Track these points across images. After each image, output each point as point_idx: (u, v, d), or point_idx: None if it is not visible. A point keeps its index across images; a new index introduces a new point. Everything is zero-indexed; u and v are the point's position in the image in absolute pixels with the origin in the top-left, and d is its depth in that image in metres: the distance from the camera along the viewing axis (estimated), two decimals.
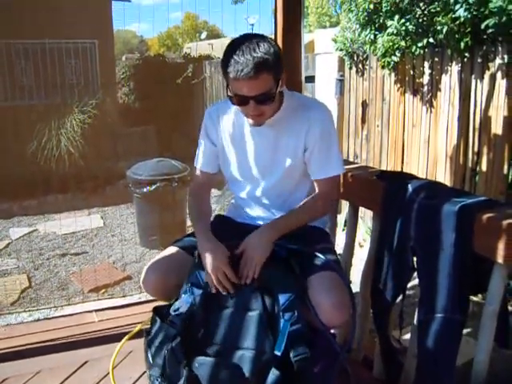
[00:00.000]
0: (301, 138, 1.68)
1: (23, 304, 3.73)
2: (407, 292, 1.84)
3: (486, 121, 3.62)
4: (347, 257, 2.18)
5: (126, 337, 1.86)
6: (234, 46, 1.52)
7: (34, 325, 2.76)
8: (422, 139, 4.24)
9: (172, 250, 1.76)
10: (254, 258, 1.55)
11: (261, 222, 1.78)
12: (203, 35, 20.88)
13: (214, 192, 5.50)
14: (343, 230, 3.85)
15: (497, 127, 3.52)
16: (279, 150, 1.72)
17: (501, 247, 1.44)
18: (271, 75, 1.53)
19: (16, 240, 5.32)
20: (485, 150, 3.65)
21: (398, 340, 2.00)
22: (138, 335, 1.83)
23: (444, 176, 3.99)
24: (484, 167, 3.66)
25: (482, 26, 3.26)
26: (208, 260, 1.56)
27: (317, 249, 1.64)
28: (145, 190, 4.85)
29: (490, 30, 3.26)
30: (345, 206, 3.77)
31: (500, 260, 1.45)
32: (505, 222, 1.45)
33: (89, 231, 5.53)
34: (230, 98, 1.60)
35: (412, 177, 1.94)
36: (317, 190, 1.76)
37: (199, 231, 1.69)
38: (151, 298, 3.39)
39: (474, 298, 2.97)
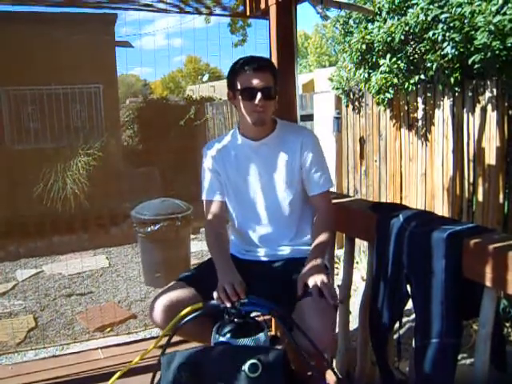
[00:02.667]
0: (296, 157, 1.88)
1: (29, 344, 3.75)
2: (408, 324, 1.87)
3: (479, 152, 3.71)
4: (345, 286, 2.23)
5: (114, 377, 1.68)
6: (244, 57, 1.85)
7: (41, 363, 2.78)
8: (419, 172, 4.33)
9: (176, 283, 1.83)
10: (319, 277, 1.63)
11: (263, 257, 1.91)
12: (205, 77, 21.31)
13: None
14: None
15: (490, 158, 3.61)
16: (276, 167, 1.89)
17: (488, 271, 1.50)
18: (273, 77, 1.82)
19: (22, 281, 5.37)
20: (480, 180, 3.72)
21: (398, 368, 2.02)
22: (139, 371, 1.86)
23: (442, 208, 4.06)
24: (480, 198, 3.73)
25: (469, 62, 3.39)
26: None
27: None
28: (149, 229, 4.93)
29: (477, 66, 3.39)
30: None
31: (489, 283, 1.51)
32: (491, 247, 1.51)
33: (94, 271, 5.58)
34: (240, 92, 1.80)
35: (403, 207, 2.01)
36: (320, 208, 1.91)
37: (219, 268, 1.75)
38: (156, 334, 3.43)
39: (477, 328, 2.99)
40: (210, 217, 1.97)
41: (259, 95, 1.76)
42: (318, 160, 1.90)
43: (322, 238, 1.84)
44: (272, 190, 1.90)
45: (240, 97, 1.81)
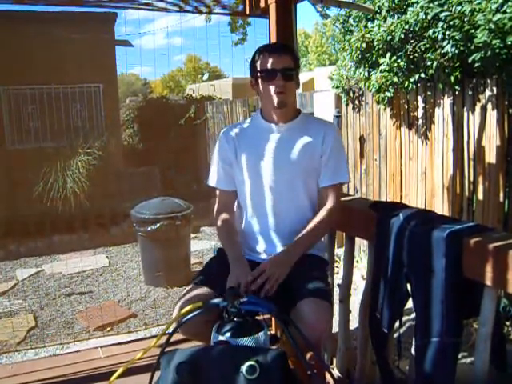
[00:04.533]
0: (317, 145, 1.87)
1: (29, 343, 3.75)
2: (408, 323, 1.87)
3: (479, 151, 3.70)
4: (346, 285, 2.23)
5: (114, 376, 1.64)
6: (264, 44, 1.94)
7: (41, 362, 2.79)
8: (419, 171, 4.33)
9: (194, 286, 1.82)
10: (275, 275, 1.67)
11: (264, 256, 1.88)
12: (205, 76, 21.26)
13: None
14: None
15: (490, 157, 3.60)
16: (296, 152, 1.87)
17: (489, 270, 1.50)
18: (293, 60, 1.84)
19: (23, 281, 5.37)
20: (480, 179, 3.72)
21: (398, 367, 2.02)
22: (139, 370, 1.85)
23: (442, 206, 4.05)
24: (480, 196, 3.72)
25: (470, 61, 3.39)
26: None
27: (309, 276, 1.73)
28: (149, 228, 4.93)
29: (477, 64, 3.38)
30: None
31: (489, 283, 1.51)
32: (491, 246, 1.51)
33: (94, 271, 5.59)
34: (260, 74, 1.83)
35: (403, 206, 2.01)
36: (327, 200, 1.89)
37: (230, 258, 1.81)
38: (156, 333, 3.44)
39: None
40: (218, 206, 1.97)
41: (278, 75, 1.79)
42: (335, 152, 1.89)
43: (312, 229, 1.83)
44: (289, 175, 1.88)
45: (260, 80, 1.83)
